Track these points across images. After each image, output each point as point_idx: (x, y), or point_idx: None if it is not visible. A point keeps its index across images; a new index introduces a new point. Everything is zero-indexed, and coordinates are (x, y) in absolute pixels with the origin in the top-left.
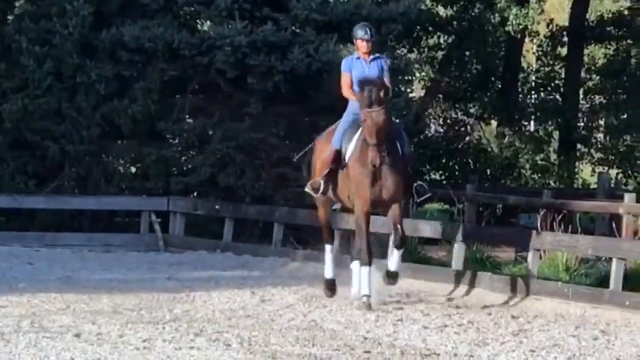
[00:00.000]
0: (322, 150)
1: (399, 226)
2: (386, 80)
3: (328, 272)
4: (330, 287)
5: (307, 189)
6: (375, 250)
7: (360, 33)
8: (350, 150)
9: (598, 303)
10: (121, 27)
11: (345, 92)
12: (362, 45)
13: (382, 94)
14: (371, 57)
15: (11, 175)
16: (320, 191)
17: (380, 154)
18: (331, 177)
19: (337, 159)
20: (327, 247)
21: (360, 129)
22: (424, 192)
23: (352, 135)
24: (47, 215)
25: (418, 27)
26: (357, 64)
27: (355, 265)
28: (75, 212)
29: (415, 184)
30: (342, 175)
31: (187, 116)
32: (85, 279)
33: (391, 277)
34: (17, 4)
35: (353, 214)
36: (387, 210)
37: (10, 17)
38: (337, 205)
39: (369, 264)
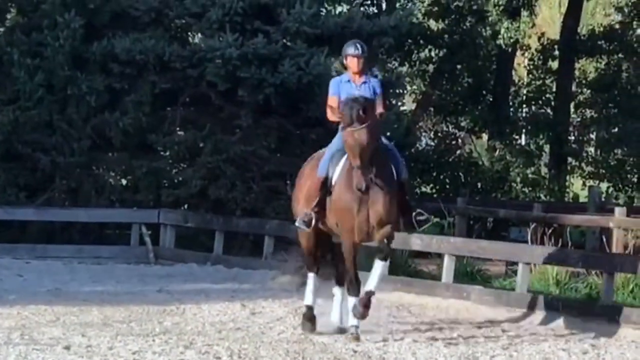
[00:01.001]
0: (307, 178)
1: (386, 240)
2: (379, 102)
3: (308, 299)
4: (309, 316)
5: (298, 224)
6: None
7: (351, 50)
8: (336, 175)
9: (588, 316)
10: (112, 40)
11: (331, 115)
12: (352, 63)
13: (363, 112)
14: (362, 79)
15: (2, 187)
16: (313, 225)
17: (365, 177)
18: (320, 207)
19: (324, 187)
20: (310, 274)
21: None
22: (426, 220)
23: (339, 161)
24: (37, 227)
25: (409, 40)
26: (346, 87)
27: (337, 290)
28: (65, 224)
29: (414, 213)
30: (329, 202)
31: (178, 129)
32: (75, 291)
33: (364, 299)
34: (8, 17)
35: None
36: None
37: (1, 30)
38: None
39: (357, 295)
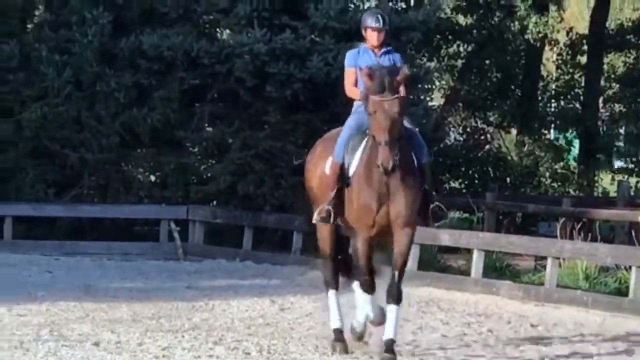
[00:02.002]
0: (318, 165)
1: (396, 273)
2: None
3: (335, 321)
4: (340, 338)
5: (316, 220)
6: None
7: (371, 21)
8: (354, 165)
9: (618, 311)
10: (140, 36)
11: (349, 90)
12: (372, 36)
13: (398, 79)
14: (382, 51)
15: (31, 184)
16: (332, 220)
17: (393, 155)
18: (338, 199)
19: (341, 175)
20: (331, 292)
21: (366, 138)
22: (442, 215)
23: (357, 146)
24: (66, 224)
25: (437, 35)
26: (365, 57)
27: (357, 286)
28: (94, 221)
29: (432, 205)
30: (348, 195)
31: (206, 124)
32: (104, 287)
33: (389, 350)
34: (36, 13)
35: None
36: (392, 240)
37: (29, 26)
38: None
39: (372, 293)
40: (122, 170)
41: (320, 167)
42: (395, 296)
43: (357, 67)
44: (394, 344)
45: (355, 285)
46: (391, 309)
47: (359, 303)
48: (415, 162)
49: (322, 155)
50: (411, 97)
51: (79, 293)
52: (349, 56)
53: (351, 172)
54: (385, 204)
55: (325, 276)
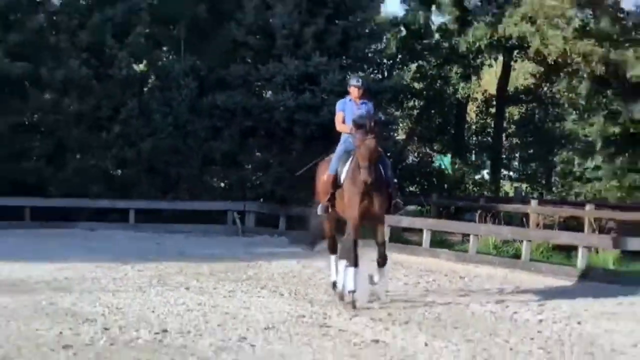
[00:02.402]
0: (322, 174)
1: (382, 248)
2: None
3: (333, 276)
4: (335, 286)
5: (319, 212)
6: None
7: (354, 82)
8: (344, 173)
9: (514, 268)
10: (215, 95)
11: (339, 126)
12: (354, 91)
13: (374, 125)
14: (360, 101)
15: (147, 189)
16: (329, 211)
17: (371, 174)
18: (332, 198)
19: (335, 182)
20: (332, 256)
21: (352, 156)
22: (400, 207)
23: (345, 162)
24: (168, 213)
25: (401, 95)
26: (349, 105)
27: (340, 263)
28: (186, 212)
29: (393, 201)
30: (339, 194)
31: (256, 151)
32: (192, 253)
33: (377, 287)
34: (149, 81)
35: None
36: (373, 224)
37: (145, 89)
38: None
39: (355, 264)
40: (203, 180)
41: (322, 178)
42: (382, 262)
43: (343, 111)
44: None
45: (340, 262)
46: (381, 270)
47: (340, 275)
48: (384, 175)
49: (323, 171)
50: (384, 134)
51: (176, 256)
52: (339, 104)
53: (342, 178)
54: (366, 199)
55: (328, 246)
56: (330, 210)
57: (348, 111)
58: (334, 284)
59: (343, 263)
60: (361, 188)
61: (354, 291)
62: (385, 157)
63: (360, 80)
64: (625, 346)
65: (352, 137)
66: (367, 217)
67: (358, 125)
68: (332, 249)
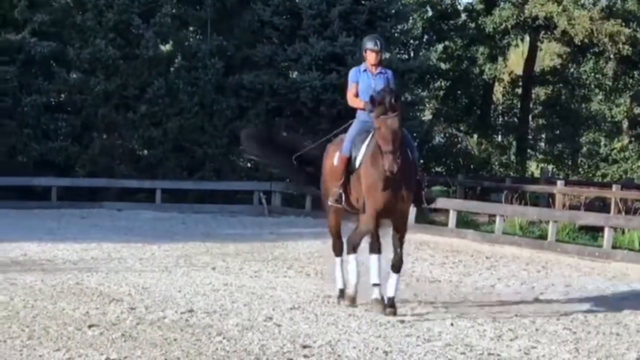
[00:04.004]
0: (331, 159)
1: (399, 250)
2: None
3: (339, 282)
4: (343, 294)
5: (331, 202)
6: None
7: (370, 44)
8: (360, 156)
9: (540, 249)
10: (242, 75)
11: (351, 101)
12: (371, 56)
13: (395, 100)
14: (377, 70)
15: (172, 169)
16: (342, 200)
17: (396, 161)
18: (344, 185)
19: (347, 166)
20: (337, 259)
21: (370, 135)
22: (433, 199)
23: (361, 142)
24: (194, 194)
25: (427, 75)
26: (364, 76)
27: (351, 257)
28: (212, 192)
29: (424, 192)
30: (354, 182)
31: (283, 132)
32: (218, 233)
33: (391, 305)
34: (176, 61)
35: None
36: (394, 219)
37: (172, 69)
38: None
39: (379, 251)
40: (229, 160)
41: (331, 161)
42: (397, 268)
43: (357, 82)
44: (394, 304)
45: (350, 257)
46: (393, 277)
47: (352, 276)
48: (410, 156)
49: (331, 155)
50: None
51: (202, 236)
52: (352, 73)
53: (358, 161)
54: (391, 185)
55: (333, 246)
56: (342, 200)
57: (363, 83)
58: (341, 292)
59: (353, 257)
60: (383, 176)
61: (378, 284)
62: (410, 137)
63: (378, 42)
64: None
65: (370, 115)
66: (390, 212)
67: (377, 102)
68: (338, 250)
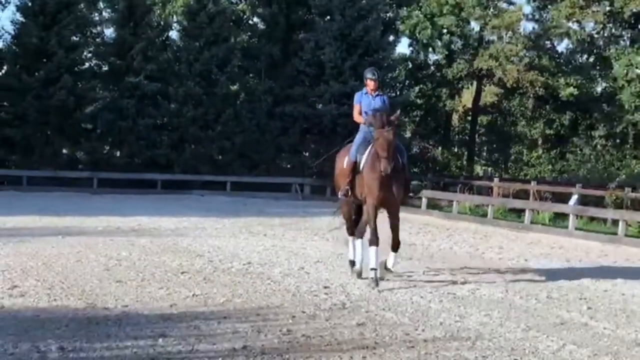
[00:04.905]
0: (341, 162)
1: (396, 233)
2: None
3: (351, 255)
4: (353, 264)
5: (340, 195)
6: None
7: (369, 74)
8: (363, 161)
9: (483, 224)
10: (284, 106)
11: (356, 117)
12: (370, 83)
13: (390, 117)
14: (375, 93)
15: (238, 168)
16: (349, 195)
17: (389, 164)
18: (351, 182)
19: (354, 168)
20: (350, 238)
21: (371, 144)
22: (417, 189)
23: (364, 150)
24: (252, 185)
25: (408, 107)
26: (365, 98)
27: (357, 242)
28: (264, 183)
29: (411, 186)
30: (358, 180)
31: (311, 144)
32: (266, 211)
33: (388, 270)
34: (240, 97)
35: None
36: (390, 209)
37: (238, 102)
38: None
39: (376, 244)
40: (275, 163)
41: (341, 164)
42: (395, 248)
43: (360, 103)
44: (390, 271)
45: (357, 242)
46: (392, 255)
47: (358, 255)
48: (401, 162)
49: (342, 159)
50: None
51: (257, 213)
52: (356, 96)
53: (362, 165)
54: (385, 185)
55: (347, 229)
56: (350, 194)
57: (364, 103)
58: (352, 263)
59: (359, 242)
60: (379, 176)
61: (375, 269)
62: (402, 145)
63: (375, 73)
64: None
65: (370, 128)
66: (385, 203)
67: (376, 118)
68: (351, 231)
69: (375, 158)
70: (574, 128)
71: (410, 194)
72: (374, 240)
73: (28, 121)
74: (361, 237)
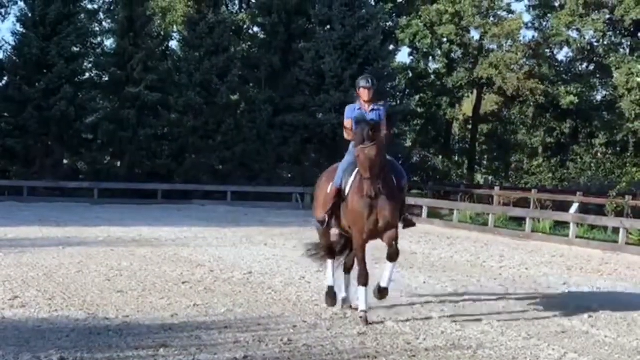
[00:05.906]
0: (325, 186)
1: (394, 243)
2: (384, 125)
3: (329, 281)
4: (331, 294)
5: (314, 224)
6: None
7: (363, 83)
8: (349, 185)
9: (484, 232)
10: (285, 116)
11: (346, 134)
12: (364, 93)
13: (373, 132)
14: (371, 106)
15: (238, 178)
16: (325, 224)
17: (374, 186)
18: (334, 211)
19: (339, 195)
20: (329, 261)
21: (356, 169)
22: (410, 224)
23: (351, 173)
24: (253, 194)
25: (409, 116)
26: (357, 113)
27: (346, 277)
28: (265, 193)
29: (404, 215)
30: (343, 208)
31: (312, 154)
32: (269, 220)
33: (382, 293)
34: (240, 106)
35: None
36: (384, 238)
37: (238, 112)
38: (335, 231)
39: (366, 285)
40: (276, 172)
41: (325, 189)
42: (393, 257)
43: (352, 118)
44: (387, 292)
45: (346, 277)
46: (388, 266)
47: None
48: (396, 183)
49: (326, 182)
50: (392, 134)
51: (257, 223)
52: (348, 110)
53: (347, 191)
54: (374, 214)
55: (326, 254)
56: (329, 223)
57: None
58: (330, 289)
59: (342, 272)
60: (367, 201)
61: (365, 312)
62: (396, 162)
63: (370, 80)
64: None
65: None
66: (375, 234)
67: (355, 132)
68: (330, 253)
69: (361, 185)
70: (575, 136)
71: (401, 223)
72: (363, 279)
73: (29, 132)
74: (348, 273)
